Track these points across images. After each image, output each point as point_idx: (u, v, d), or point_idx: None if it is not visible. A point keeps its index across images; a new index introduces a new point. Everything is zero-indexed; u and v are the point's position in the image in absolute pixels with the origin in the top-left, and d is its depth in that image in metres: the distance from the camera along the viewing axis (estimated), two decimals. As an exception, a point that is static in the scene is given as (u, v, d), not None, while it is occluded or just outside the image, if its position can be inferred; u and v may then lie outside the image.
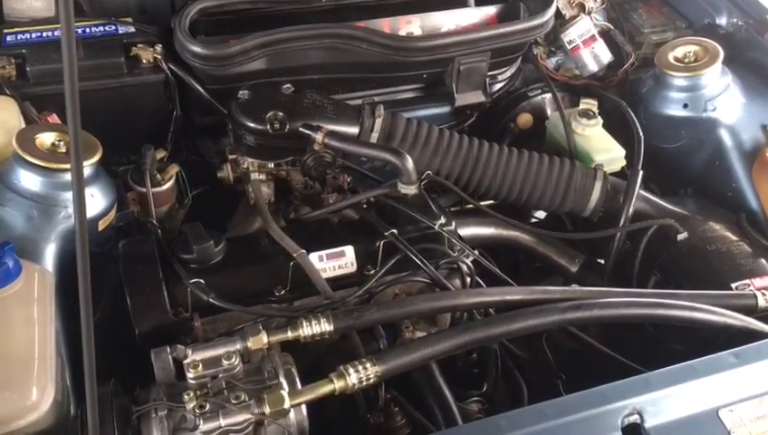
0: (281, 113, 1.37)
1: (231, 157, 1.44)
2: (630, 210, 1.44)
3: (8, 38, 1.46)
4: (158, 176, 1.38)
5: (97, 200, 1.25)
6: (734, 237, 1.44)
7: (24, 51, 1.43)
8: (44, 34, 1.47)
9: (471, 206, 1.54)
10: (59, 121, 1.37)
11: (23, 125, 1.31)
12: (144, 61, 1.47)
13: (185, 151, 1.60)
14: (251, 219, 1.48)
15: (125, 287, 1.16)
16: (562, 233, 1.56)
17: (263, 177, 1.42)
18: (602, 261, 1.57)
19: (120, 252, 1.22)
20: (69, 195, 1.20)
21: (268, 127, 1.36)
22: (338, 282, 1.26)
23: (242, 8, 1.55)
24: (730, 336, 1.17)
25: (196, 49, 1.42)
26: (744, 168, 1.56)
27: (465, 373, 1.33)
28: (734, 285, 1.32)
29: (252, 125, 1.37)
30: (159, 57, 1.46)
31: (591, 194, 1.47)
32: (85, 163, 1.22)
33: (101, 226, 1.27)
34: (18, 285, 1.04)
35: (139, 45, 1.47)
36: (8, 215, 1.17)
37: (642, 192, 1.49)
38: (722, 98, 1.58)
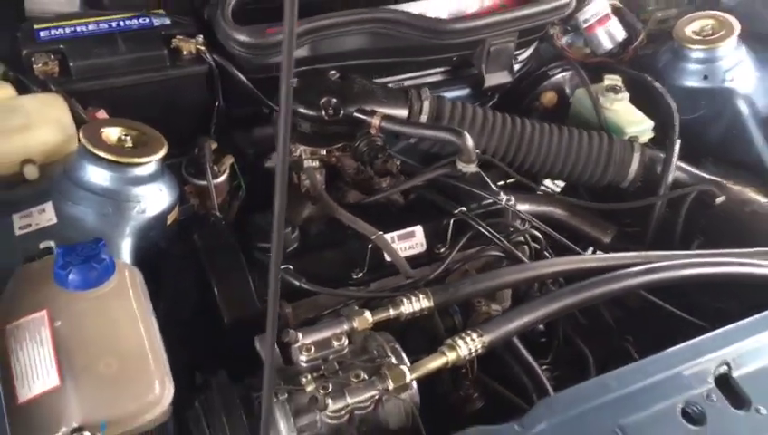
0: (334, 99, 1.38)
1: (283, 146, 1.43)
2: (670, 178, 1.51)
3: (41, 33, 1.41)
4: (215, 168, 1.36)
5: (165, 195, 1.22)
6: (765, 199, 1.52)
7: (61, 46, 1.38)
8: (78, 29, 1.43)
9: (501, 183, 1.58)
10: (107, 117, 1.34)
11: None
12: (185, 52, 1.44)
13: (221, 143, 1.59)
14: (300, 208, 1.47)
15: (211, 279, 1.15)
16: (603, 204, 1.61)
17: (315, 164, 1.42)
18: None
19: (199, 245, 1.21)
20: (140, 190, 1.18)
21: (323, 113, 1.36)
22: (409, 262, 1.28)
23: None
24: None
25: (243, 38, 1.41)
26: (761, 134, 1.66)
27: (530, 343, 1.37)
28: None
29: (307, 111, 1.37)
30: (203, 48, 1.43)
31: (631, 165, 1.53)
32: (153, 158, 1.20)
33: (170, 220, 1.25)
34: (114, 282, 1.03)
35: (178, 37, 1.45)
36: (82, 213, 1.14)
37: (677, 161, 1.56)
38: (738, 69, 1.67)
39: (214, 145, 1.40)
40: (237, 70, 1.48)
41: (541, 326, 1.36)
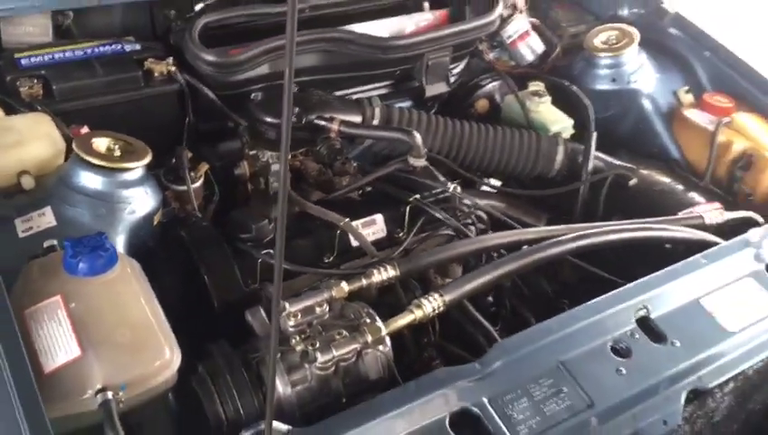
0: (296, 108, 1.55)
1: (251, 153, 1.59)
2: (590, 166, 1.74)
3: (23, 61, 1.53)
4: (192, 174, 1.51)
5: (151, 197, 1.36)
6: (669, 179, 1.77)
7: (43, 72, 1.51)
8: (57, 56, 1.56)
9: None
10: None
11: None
12: (157, 73, 1.59)
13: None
14: (268, 208, 1.62)
15: (201, 267, 1.29)
16: (537, 191, 1.82)
17: (282, 167, 1.58)
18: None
19: (187, 239, 1.35)
20: (130, 192, 1.32)
21: (289, 121, 1.53)
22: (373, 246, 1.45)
23: (236, 22, 1.71)
24: (683, 251, 1.48)
25: (211, 58, 1.57)
26: (664, 127, 1.92)
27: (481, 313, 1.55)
28: (680, 214, 1.64)
29: (273, 120, 1.54)
30: (174, 69, 1.58)
31: (556, 156, 1.76)
32: (139, 164, 1.34)
33: (156, 220, 1.38)
34: (118, 269, 1.16)
35: (150, 60, 1.59)
36: (80, 215, 1.27)
37: (595, 152, 1.79)
38: (640, 72, 1.94)
39: (189, 154, 1.54)
40: (208, 87, 1.63)
41: (490, 298, 1.55)
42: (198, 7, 1.71)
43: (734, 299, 1.35)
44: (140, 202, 1.33)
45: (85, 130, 1.47)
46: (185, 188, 1.49)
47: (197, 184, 1.52)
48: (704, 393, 1.25)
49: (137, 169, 1.33)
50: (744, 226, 1.50)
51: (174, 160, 1.52)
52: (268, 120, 1.55)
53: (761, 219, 1.54)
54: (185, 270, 1.34)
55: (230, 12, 1.67)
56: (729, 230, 1.52)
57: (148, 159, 1.35)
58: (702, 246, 1.45)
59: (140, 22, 1.72)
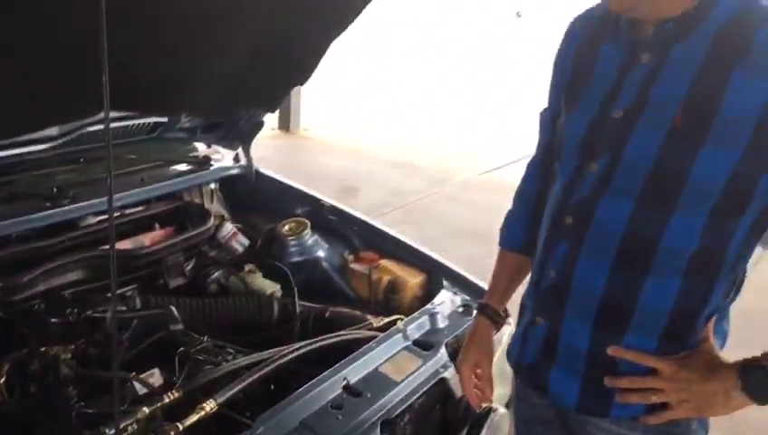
0: (75, 309, 2.08)
1: (42, 350, 2.04)
2: (298, 309, 2.51)
3: None
4: (-3, 373, 1.91)
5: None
6: (349, 309, 2.62)
7: None
8: None
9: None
10: None
11: None
12: (-50, 305, 2.00)
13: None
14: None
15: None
16: (263, 334, 2.50)
17: (69, 355, 2.06)
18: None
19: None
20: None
21: (71, 318, 2.05)
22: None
23: (14, 255, 2.21)
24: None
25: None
26: (340, 278, 2.82)
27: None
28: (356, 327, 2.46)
29: (59, 320, 2.04)
30: (-34, 299, 2.01)
31: (274, 308, 2.50)
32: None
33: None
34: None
35: (-59, 297, 2.00)
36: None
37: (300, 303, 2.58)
38: (316, 245, 2.85)
39: (-9, 361, 1.95)
40: (-4, 309, 2.08)
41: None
42: (-26, 249, 2.19)
43: (396, 363, 2.17)
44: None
45: None
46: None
47: (1, 381, 1.92)
48: (391, 422, 1.99)
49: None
50: (395, 323, 2.38)
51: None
52: (55, 320, 2.05)
53: (405, 317, 2.43)
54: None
55: (8, 248, 2.18)
56: (388, 329, 2.38)
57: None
58: (372, 338, 2.28)
59: None
